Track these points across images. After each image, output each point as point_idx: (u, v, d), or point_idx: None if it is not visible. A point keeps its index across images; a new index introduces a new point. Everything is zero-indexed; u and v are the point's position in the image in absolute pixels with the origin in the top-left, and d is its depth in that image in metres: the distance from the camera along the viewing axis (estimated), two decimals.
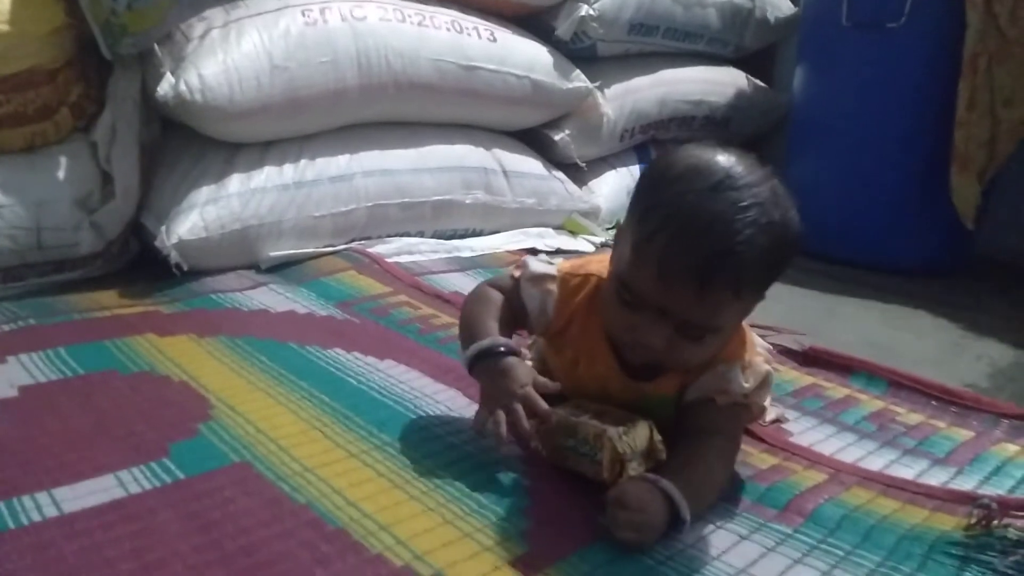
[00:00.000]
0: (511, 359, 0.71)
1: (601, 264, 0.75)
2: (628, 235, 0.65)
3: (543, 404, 0.68)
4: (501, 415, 0.67)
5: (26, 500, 0.62)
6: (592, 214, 1.73)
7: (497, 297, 0.78)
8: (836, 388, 0.94)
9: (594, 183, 1.82)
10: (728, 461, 0.68)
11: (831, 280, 1.50)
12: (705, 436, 0.66)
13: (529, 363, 0.81)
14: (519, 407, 0.67)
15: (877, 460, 0.76)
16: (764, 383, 0.70)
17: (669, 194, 0.63)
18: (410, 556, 0.57)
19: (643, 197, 0.66)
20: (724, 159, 0.62)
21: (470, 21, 1.52)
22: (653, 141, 1.95)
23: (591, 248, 1.60)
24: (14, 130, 1.12)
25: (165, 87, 1.13)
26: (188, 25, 1.21)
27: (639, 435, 0.65)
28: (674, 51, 1.95)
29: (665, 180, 0.64)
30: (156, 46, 1.18)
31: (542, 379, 0.71)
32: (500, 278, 0.80)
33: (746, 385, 0.68)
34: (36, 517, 0.60)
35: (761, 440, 0.78)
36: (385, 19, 1.37)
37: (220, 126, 1.21)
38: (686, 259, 0.60)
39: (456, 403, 0.83)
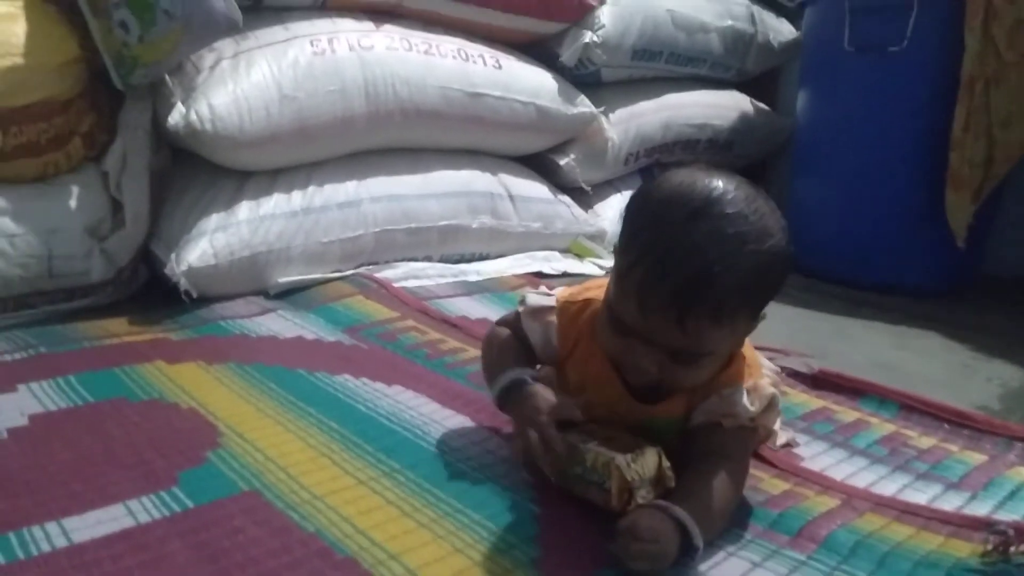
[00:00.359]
0: (533, 387, 0.72)
1: (599, 288, 0.75)
2: (618, 259, 0.66)
3: (552, 431, 0.67)
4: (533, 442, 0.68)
5: (36, 530, 0.61)
6: (598, 237, 1.73)
7: (508, 335, 0.80)
8: (846, 411, 0.93)
9: (599, 206, 1.83)
10: (737, 485, 0.67)
11: (838, 301, 1.49)
12: (713, 460, 0.66)
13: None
14: (535, 436, 0.67)
15: (890, 485, 0.76)
16: (771, 406, 0.70)
17: (648, 225, 0.63)
18: None
19: (626, 227, 0.66)
20: (705, 184, 0.62)
21: (475, 49, 1.54)
22: (658, 164, 1.96)
23: (598, 271, 1.60)
24: (28, 160, 1.13)
25: (176, 117, 1.15)
26: (198, 56, 1.22)
27: (648, 462, 0.65)
28: (677, 76, 1.97)
29: (646, 209, 0.65)
30: (167, 76, 1.19)
31: (567, 403, 0.70)
32: (508, 315, 0.82)
33: (752, 408, 0.67)
34: (46, 547, 0.59)
35: (772, 465, 0.77)
36: (392, 48, 1.39)
37: (230, 155, 1.23)
38: (662, 292, 0.60)
39: (465, 429, 0.83)
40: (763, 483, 0.74)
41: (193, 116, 1.15)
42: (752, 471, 0.75)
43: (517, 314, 0.79)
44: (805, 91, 1.74)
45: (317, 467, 0.73)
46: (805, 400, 0.96)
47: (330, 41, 1.31)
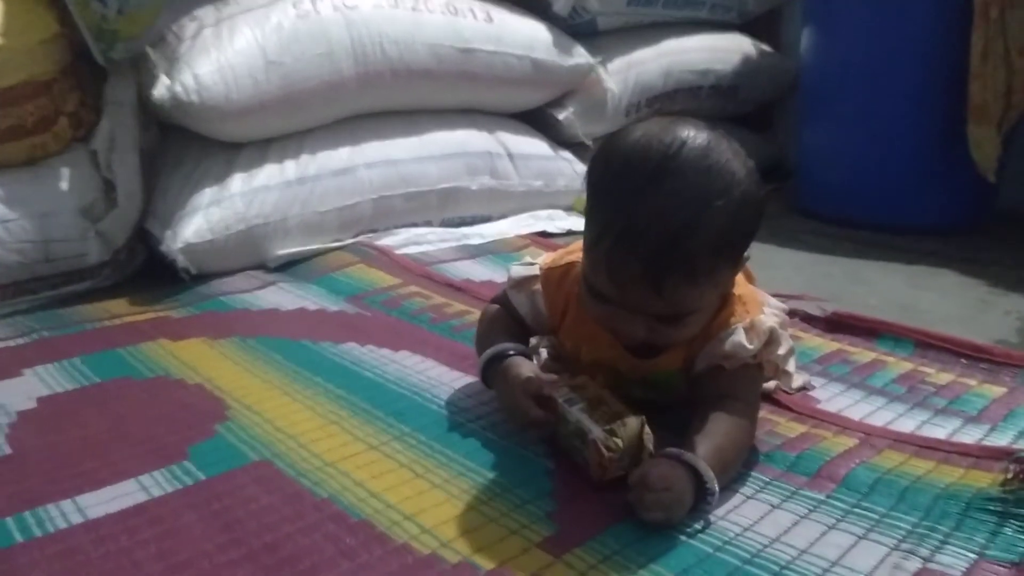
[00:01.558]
0: (509, 360, 0.73)
1: (580, 248, 0.73)
2: (584, 233, 0.64)
3: (523, 402, 0.68)
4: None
5: (51, 508, 0.61)
6: None
7: (497, 311, 0.80)
8: (862, 352, 0.92)
9: None
10: (749, 425, 0.66)
11: (852, 244, 1.47)
12: (721, 403, 0.65)
13: (543, 353, 0.83)
14: (519, 405, 0.68)
15: (908, 422, 0.74)
16: (771, 340, 0.68)
17: (609, 192, 0.61)
18: (436, 544, 0.56)
19: (589, 192, 0.64)
20: (660, 141, 0.59)
21: (464, 2, 1.49)
22: (659, 115, 1.91)
23: None
24: (14, 143, 1.12)
25: (161, 90, 1.12)
26: (179, 26, 1.19)
27: (629, 432, 0.62)
28: (676, 20, 1.91)
29: (605, 175, 0.63)
30: (149, 49, 1.16)
31: (541, 376, 0.70)
32: (498, 292, 0.83)
33: (750, 346, 0.66)
34: (62, 524, 0.59)
35: (788, 409, 0.76)
36: (378, 6, 1.35)
37: (218, 126, 1.20)
38: (632, 263, 0.59)
39: (473, 390, 0.82)
40: (779, 427, 0.73)
41: (178, 88, 1.13)
42: (768, 415, 0.74)
43: (505, 293, 0.80)
44: (810, 29, 1.69)
45: (327, 435, 0.73)
46: (820, 343, 0.95)
47: (313, 2, 1.28)
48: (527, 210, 1.60)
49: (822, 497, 0.61)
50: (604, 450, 0.60)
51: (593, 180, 0.64)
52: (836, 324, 1.00)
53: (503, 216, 1.57)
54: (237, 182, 1.21)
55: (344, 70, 1.29)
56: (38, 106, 1.12)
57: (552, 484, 0.64)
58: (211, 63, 1.16)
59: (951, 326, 1.00)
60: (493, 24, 1.51)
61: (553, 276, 0.75)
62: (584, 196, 1.69)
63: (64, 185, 1.15)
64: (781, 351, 0.70)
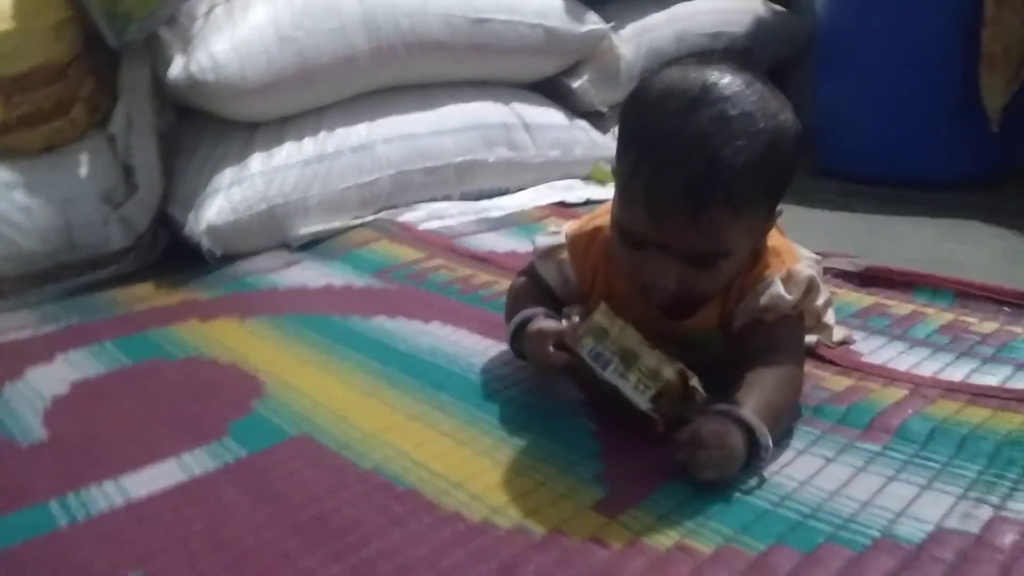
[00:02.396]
0: (535, 322, 0.71)
1: (607, 213, 0.72)
2: (617, 175, 0.63)
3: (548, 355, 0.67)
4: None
5: (93, 490, 0.61)
6: None
7: (524, 282, 0.79)
8: (900, 305, 0.90)
9: (616, 130, 1.76)
10: (795, 377, 0.64)
11: (876, 201, 1.44)
12: (765, 357, 0.63)
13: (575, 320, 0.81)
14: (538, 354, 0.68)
15: (956, 371, 0.73)
16: (810, 289, 0.66)
17: (646, 122, 0.60)
18: (487, 510, 0.55)
19: (623, 133, 0.63)
20: (699, 73, 0.59)
21: None
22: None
23: None
24: (32, 130, 1.11)
25: (176, 70, 1.11)
26: (192, 5, 1.17)
27: (672, 389, 0.59)
28: None
29: (642, 108, 0.61)
30: (162, 29, 1.15)
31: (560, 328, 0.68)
32: (525, 266, 0.81)
33: (790, 297, 0.64)
34: (104, 506, 0.59)
35: (832, 363, 0.74)
36: None
37: (234, 104, 1.19)
38: (671, 190, 0.57)
39: (509, 357, 0.80)
40: (825, 381, 0.71)
41: (194, 67, 1.11)
42: (812, 370, 0.73)
43: (532, 262, 0.78)
44: None
45: (366, 407, 0.72)
46: (856, 298, 0.93)
47: None
48: (544, 181, 1.58)
49: (878, 449, 0.60)
50: (653, 416, 0.59)
51: (628, 116, 0.63)
52: (870, 279, 0.98)
53: (521, 188, 1.55)
54: (256, 162, 1.20)
55: (357, 44, 1.27)
56: (54, 91, 1.11)
57: (597, 445, 0.63)
58: (225, 41, 1.14)
59: (988, 276, 0.97)
60: None
61: (580, 242, 0.74)
62: (601, 164, 1.66)
63: (84, 171, 1.14)
64: (820, 301, 0.69)
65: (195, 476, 0.62)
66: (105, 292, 1.11)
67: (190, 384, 0.79)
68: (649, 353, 0.61)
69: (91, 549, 0.54)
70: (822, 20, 1.67)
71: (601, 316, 0.64)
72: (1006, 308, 0.86)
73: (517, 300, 0.78)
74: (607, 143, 1.68)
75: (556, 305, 0.78)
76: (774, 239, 0.69)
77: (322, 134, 1.28)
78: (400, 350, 0.84)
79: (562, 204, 1.50)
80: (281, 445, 0.66)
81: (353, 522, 0.55)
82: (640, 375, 0.60)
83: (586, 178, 1.65)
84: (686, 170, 0.57)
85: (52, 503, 0.60)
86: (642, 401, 0.59)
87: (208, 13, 1.17)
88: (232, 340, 0.90)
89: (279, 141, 1.24)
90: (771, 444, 0.57)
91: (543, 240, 0.77)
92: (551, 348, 0.67)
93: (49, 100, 1.12)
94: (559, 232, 0.77)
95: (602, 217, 0.74)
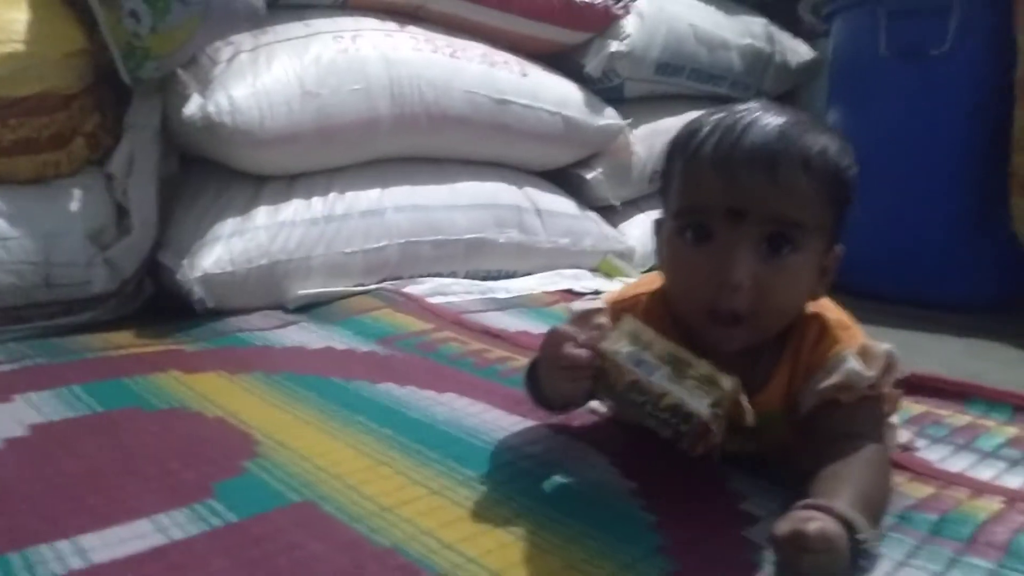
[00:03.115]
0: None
1: (650, 283, 0.68)
2: (672, 176, 0.60)
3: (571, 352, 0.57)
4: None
5: (44, 550, 0.49)
6: (627, 255, 1.64)
7: None
8: (955, 415, 0.83)
9: (624, 226, 1.74)
10: (884, 466, 0.56)
11: (895, 318, 1.40)
12: (846, 444, 0.55)
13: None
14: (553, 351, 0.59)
15: None
16: (889, 366, 0.59)
17: (708, 119, 0.58)
18: None
19: (679, 140, 0.60)
20: (746, 105, 0.59)
21: (501, 56, 1.47)
22: None
23: None
24: (25, 158, 1.03)
25: (192, 108, 1.05)
26: (215, 49, 1.14)
27: (728, 399, 0.55)
28: (698, 93, 1.92)
29: (698, 122, 0.59)
30: (179, 70, 1.10)
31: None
32: None
33: (869, 373, 0.58)
34: (58, 569, 0.47)
35: (903, 467, 0.66)
36: (417, 49, 1.31)
37: (248, 153, 1.13)
38: (746, 144, 0.55)
39: (539, 435, 0.71)
40: (901, 486, 0.63)
41: (211, 108, 1.06)
42: None
43: None
44: (837, 105, 1.68)
45: (378, 476, 0.62)
46: (905, 405, 0.86)
47: (354, 38, 1.24)
48: (552, 268, 1.53)
49: (991, 566, 0.51)
50: (713, 429, 0.53)
51: (681, 134, 0.60)
52: (917, 386, 0.91)
53: (528, 273, 1.50)
54: (262, 215, 1.13)
55: (380, 108, 1.23)
56: (55, 121, 1.05)
57: (660, 539, 0.53)
58: (247, 87, 1.09)
59: None
60: (528, 79, 1.49)
61: (621, 308, 0.67)
62: (610, 259, 1.62)
63: (74, 206, 1.06)
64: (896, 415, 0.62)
65: (174, 541, 0.51)
66: (77, 336, 1.00)
67: (171, 437, 0.68)
68: (699, 360, 0.56)
69: None
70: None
71: (631, 323, 0.58)
72: None
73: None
74: (617, 237, 1.65)
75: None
76: (837, 312, 0.64)
77: (332, 195, 1.22)
78: (413, 418, 0.75)
79: (569, 292, 1.44)
80: (278, 512, 0.56)
81: None
82: (696, 381, 0.55)
83: (594, 270, 1.60)
84: (758, 130, 0.55)
85: None
86: (701, 406, 0.53)
87: (232, 59, 1.13)
88: (221, 394, 0.79)
89: (287, 196, 1.18)
90: (877, 548, 0.48)
91: (580, 305, 0.70)
92: (572, 348, 0.57)
93: (49, 129, 1.05)
94: (597, 298, 0.71)
95: (644, 286, 0.69)
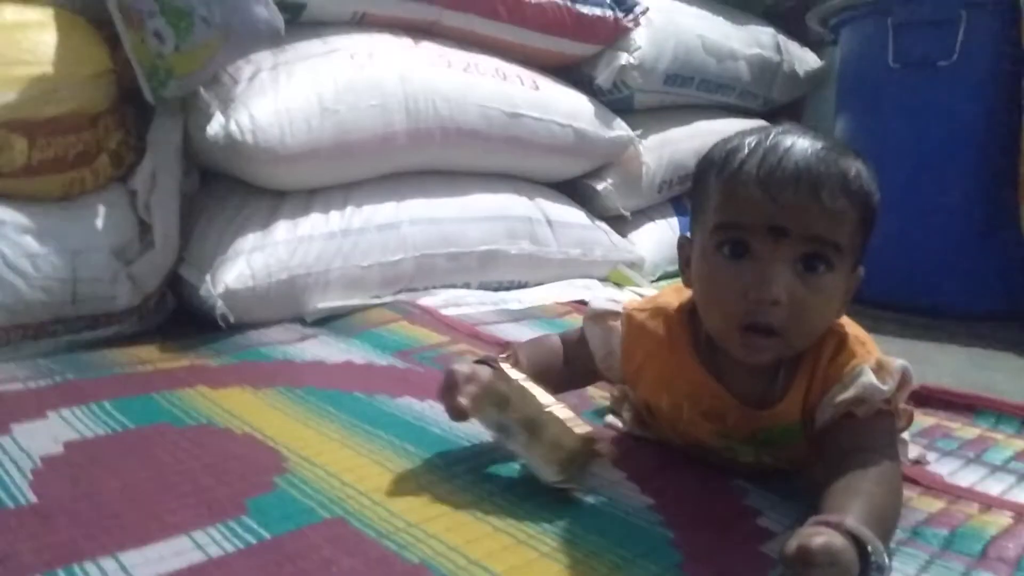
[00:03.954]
0: (464, 364, 0.68)
1: (674, 294, 0.69)
2: (707, 193, 0.60)
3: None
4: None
5: (89, 566, 0.51)
6: (637, 265, 1.66)
7: (549, 340, 0.76)
8: (964, 428, 0.85)
9: (633, 235, 1.76)
10: (896, 481, 0.58)
11: (902, 327, 1.42)
12: (859, 458, 0.57)
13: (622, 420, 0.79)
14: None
15: None
16: (904, 381, 0.61)
17: (745, 139, 0.59)
18: None
19: (714, 158, 0.61)
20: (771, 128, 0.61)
21: (513, 69, 1.49)
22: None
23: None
24: (53, 176, 1.05)
25: (215, 126, 1.08)
26: (235, 68, 1.16)
27: (580, 462, 0.63)
28: (707, 103, 1.94)
29: (733, 141, 0.60)
30: (201, 88, 1.13)
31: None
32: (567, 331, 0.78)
33: (884, 387, 0.59)
34: None
35: (914, 482, 0.68)
36: (432, 64, 1.34)
37: (268, 170, 1.15)
38: (790, 162, 0.56)
39: None
40: (912, 501, 0.65)
41: (233, 126, 1.08)
42: None
43: (580, 328, 0.74)
44: (845, 115, 1.70)
45: (404, 492, 0.64)
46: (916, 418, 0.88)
47: (370, 55, 1.26)
48: (563, 278, 1.56)
49: None
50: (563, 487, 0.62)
51: (709, 165, 0.61)
52: (925, 398, 0.93)
53: (539, 283, 1.52)
54: (281, 230, 1.15)
55: (396, 123, 1.26)
56: (81, 139, 1.07)
57: (679, 554, 0.55)
58: (268, 105, 1.12)
59: None
60: (539, 92, 1.51)
61: (636, 319, 0.69)
62: (621, 269, 1.64)
63: (99, 223, 1.08)
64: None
65: (212, 558, 0.53)
66: (103, 350, 1.03)
67: (201, 453, 0.70)
68: (553, 420, 0.62)
69: None
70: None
71: (499, 381, 0.64)
72: None
73: (533, 344, 0.76)
74: (627, 247, 1.67)
75: (574, 378, 0.75)
76: (853, 327, 0.65)
77: (349, 209, 1.25)
78: (435, 433, 0.77)
79: (581, 302, 1.46)
80: (311, 528, 0.58)
81: None
82: (548, 447, 0.62)
83: (604, 280, 1.62)
84: (801, 151, 0.56)
85: None
86: (550, 474, 0.62)
87: (252, 77, 1.15)
88: (247, 410, 0.81)
89: (306, 211, 1.20)
90: (888, 564, 0.50)
91: (599, 303, 0.73)
92: (458, 398, 0.65)
93: (76, 147, 1.07)
94: (618, 302, 0.72)
95: (665, 297, 0.70)
